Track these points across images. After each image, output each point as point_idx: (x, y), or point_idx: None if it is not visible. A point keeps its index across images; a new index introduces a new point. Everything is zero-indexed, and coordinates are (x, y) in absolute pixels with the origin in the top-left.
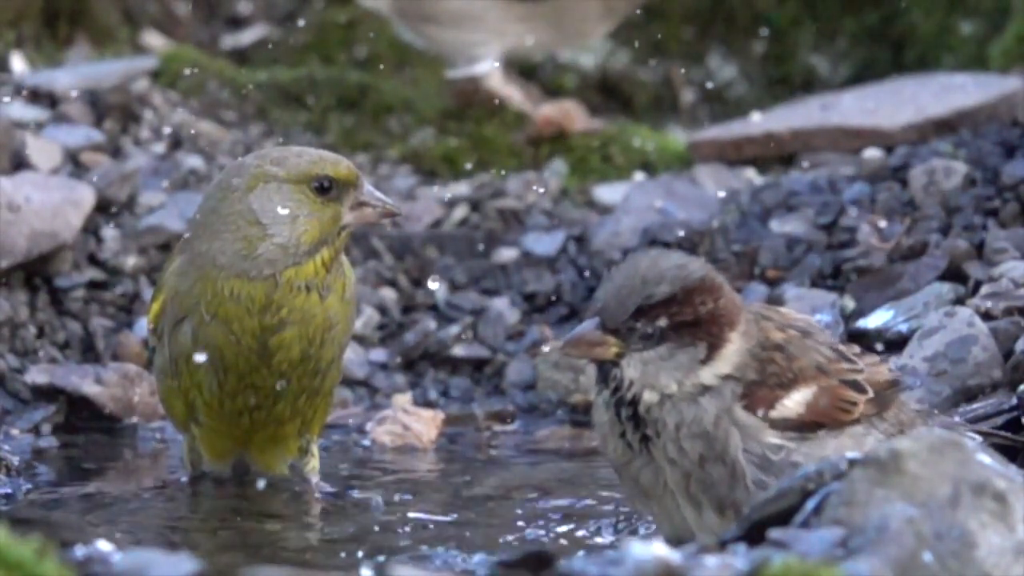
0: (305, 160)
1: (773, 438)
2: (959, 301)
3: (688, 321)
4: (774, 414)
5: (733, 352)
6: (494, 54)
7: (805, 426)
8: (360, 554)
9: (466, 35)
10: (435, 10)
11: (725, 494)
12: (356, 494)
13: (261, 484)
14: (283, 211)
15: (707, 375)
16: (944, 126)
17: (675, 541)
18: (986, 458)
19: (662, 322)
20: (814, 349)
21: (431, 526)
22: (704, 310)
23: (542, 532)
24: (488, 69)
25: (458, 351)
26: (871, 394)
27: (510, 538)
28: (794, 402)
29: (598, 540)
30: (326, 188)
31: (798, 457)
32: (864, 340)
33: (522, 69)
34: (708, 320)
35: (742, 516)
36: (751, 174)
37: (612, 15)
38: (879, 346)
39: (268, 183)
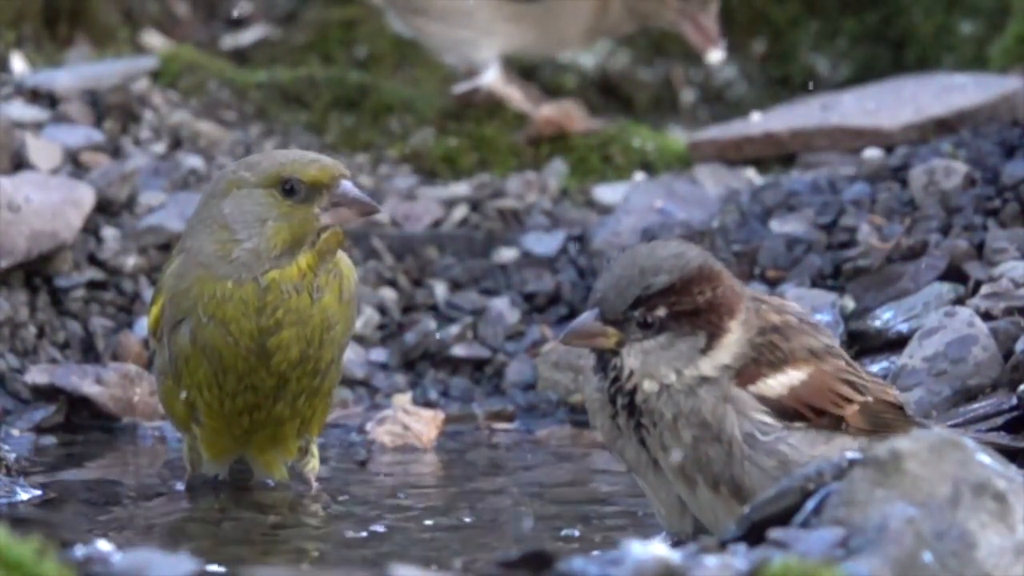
0: (275, 163)
1: (760, 415)
2: (959, 301)
3: (687, 310)
4: (753, 389)
5: (733, 342)
6: (488, 55)
7: (786, 412)
8: (360, 554)
9: (456, 31)
10: (426, 4)
11: (721, 471)
12: (355, 495)
13: (261, 484)
14: (251, 216)
15: (707, 366)
16: (944, 126)
17: (664, 516)
18: (986, 458)
19: (661, 312)
20: (810, 335)
21: (431, 526)
22: (703, 299)
23: (542, 532)
24: (492, 79)
25: (458, 351)
26: (870, 398)
27: (510, 538)
28: (778, 383)
29: (598, 540)
30: (294, 191)
31: (785, 447)
32: (864, 340)
33: (522, 69)
34: (707, 309)
35: (738, 495)
36: (751, 174)
37: (601, 31)
38: (879, 346)
39: (240, 188)
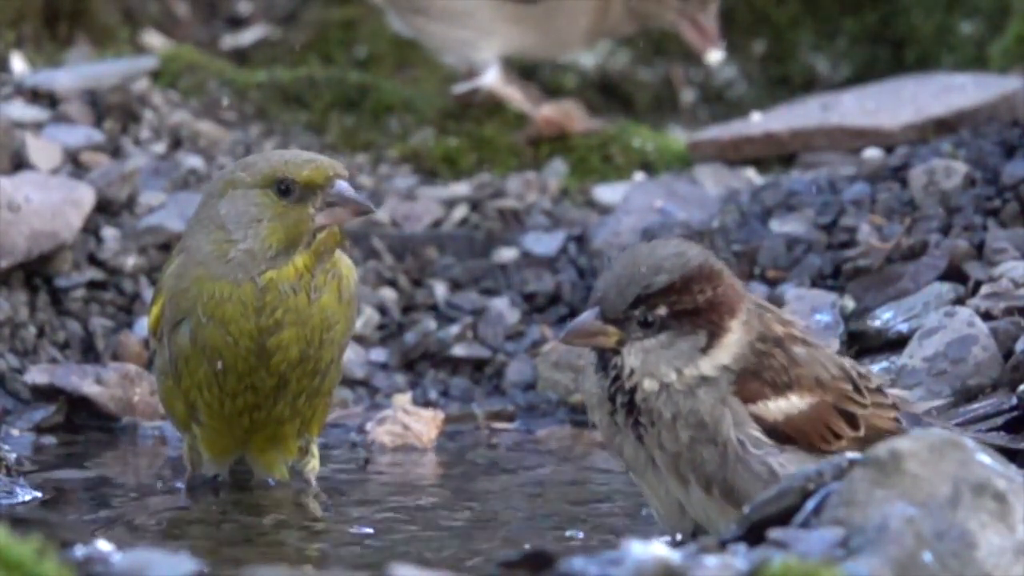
0: (270, 164)
1: (754, 431)
2: (959, 301)
3: (688, 309)
4: (753, 408)
5: (733, 342)
6: (488, 56)
7: (778, 435)
8: (360, 554)
9: (456, 31)
10: (426, 4)
11: (714, 472)
12: (355, 495)
13: (261, 484)
14: (246, 216)
15: (707, 365)
16: (944, 126)
17: (662, 515)
18: (986, 458)
19: (661, 311)
20: (819, 362)
21: (431, 526)
22: (703, 298)
23: (543, 532)
24: (492, 80)
25: (458, 351)
26: (862, 434)
27: (510, 538)
28: (778, 408)
29: (598, 540)
30: (288, 191)
31: (774, 462)
32: (864, 340)
33: (522, 69)
34: (708, 308)
35: (730, 497)
36: (751, 174)
37: (601, 33)
38: (879, 346)
39: (236, 189)
